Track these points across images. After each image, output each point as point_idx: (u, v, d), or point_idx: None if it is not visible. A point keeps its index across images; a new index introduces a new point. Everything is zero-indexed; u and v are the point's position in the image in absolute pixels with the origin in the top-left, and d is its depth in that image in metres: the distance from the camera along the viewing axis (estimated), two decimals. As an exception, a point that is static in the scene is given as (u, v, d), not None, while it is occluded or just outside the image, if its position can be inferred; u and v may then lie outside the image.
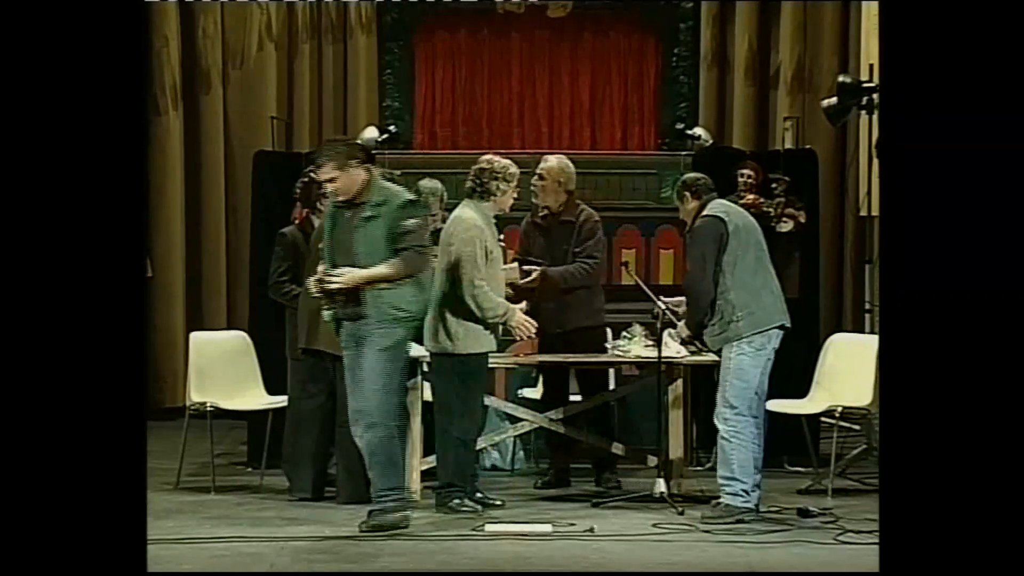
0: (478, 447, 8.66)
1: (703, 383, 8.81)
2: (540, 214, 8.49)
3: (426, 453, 7.91)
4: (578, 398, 8.48)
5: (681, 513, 7.43)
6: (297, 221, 8.40)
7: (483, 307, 7.49)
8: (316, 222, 8.01)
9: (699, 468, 8.99)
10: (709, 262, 7.31)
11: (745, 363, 7.30)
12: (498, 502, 7.72)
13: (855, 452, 8.67)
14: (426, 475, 7.89)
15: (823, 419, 8.70)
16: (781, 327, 7.40)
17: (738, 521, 7.19)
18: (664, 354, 7.76)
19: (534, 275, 8.24)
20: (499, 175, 7.62)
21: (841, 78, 10.01)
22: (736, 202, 9.10)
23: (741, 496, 7.26)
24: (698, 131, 10.37)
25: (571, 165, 8.45)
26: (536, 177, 8.41)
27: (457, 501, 7.53)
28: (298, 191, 8.42)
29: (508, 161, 7.73)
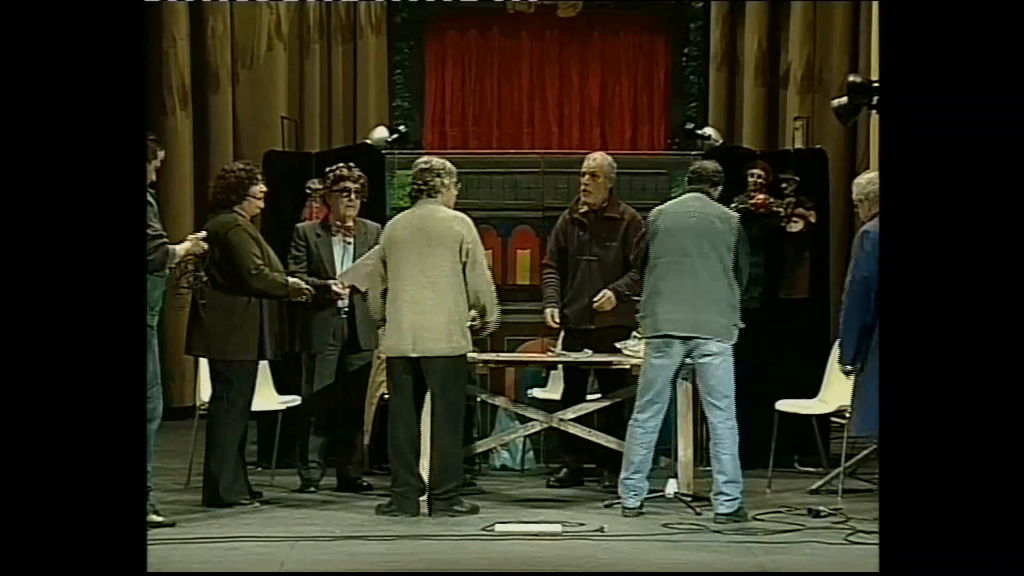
0: (487, 447, 8.69)
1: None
2: (581, 210, 8.49)
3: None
4: (595, 396, 8.48)
5: (699, 513, 7.43)
6: (318, 219, 8.48)
7: (494, 307, 7.55)
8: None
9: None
10: (639, 260, 7.69)
11: (645, 365, 7.51)
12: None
13: (865, 452, 8.65)
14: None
15: (833, 419, 8.70)
16: (671, 336, 7.43)
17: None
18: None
19: (604, 298, 8.25)
20: (441, 172, 7.66)
21: (851, 77, 9.94)
22: (746, 202, 9.15)
23: (627, 491, 7.49)
24: (708, 131, 10.35)
25: (611, 159, 8.54)
26: (587, 176, 8.43)
27: (463, 502, 7.54)
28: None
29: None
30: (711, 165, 7.78)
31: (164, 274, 7.22)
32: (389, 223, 7.81)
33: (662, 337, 7.42)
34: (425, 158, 7.81)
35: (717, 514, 7.31)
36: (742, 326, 7.50)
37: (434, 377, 7.50)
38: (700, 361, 7.41)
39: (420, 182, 7.63)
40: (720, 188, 7.72)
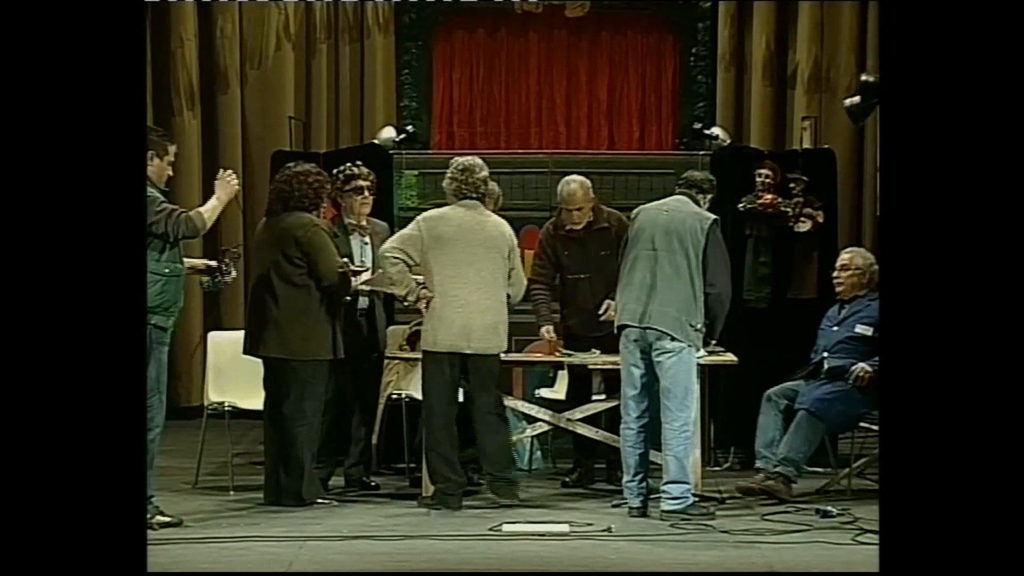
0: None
1: (720, 384, 8.81)
2: (566, 227, 8.37)
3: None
4: (601, 397, 8.47)
5: (710, 513, 7.42)
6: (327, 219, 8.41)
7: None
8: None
9: (716, 468, 9.00)
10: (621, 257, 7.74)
11: (621, 361, 7.62)
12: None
13: (874, 452, 8.64)
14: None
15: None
16: (627, 326, 7.52)
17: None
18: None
19: (610, 309, 7.95)
20: (489, 181, 7.87)
21: (863, 77, 9.98)
22: (754, 202, 9.15)
23: (630, 493, 7.54)
24: (716, 131, 10.35)
25: (586, 179, 8.38)
26: (575, 211, 8.27)
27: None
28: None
29: None
30: (700, 174, 7.89)
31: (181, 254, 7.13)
32: (428, 219, 7.74)
33: (622, 328, 7.54)
34: (479, 161, 7.83)
35: (662, 511, 7.39)
36: (699, 326, 7.45)
37: (480, 373, 7.69)
38: (655, 358, 7.45)
39: (474, 187, 7.73)
40: (710, 196, 7.75)
